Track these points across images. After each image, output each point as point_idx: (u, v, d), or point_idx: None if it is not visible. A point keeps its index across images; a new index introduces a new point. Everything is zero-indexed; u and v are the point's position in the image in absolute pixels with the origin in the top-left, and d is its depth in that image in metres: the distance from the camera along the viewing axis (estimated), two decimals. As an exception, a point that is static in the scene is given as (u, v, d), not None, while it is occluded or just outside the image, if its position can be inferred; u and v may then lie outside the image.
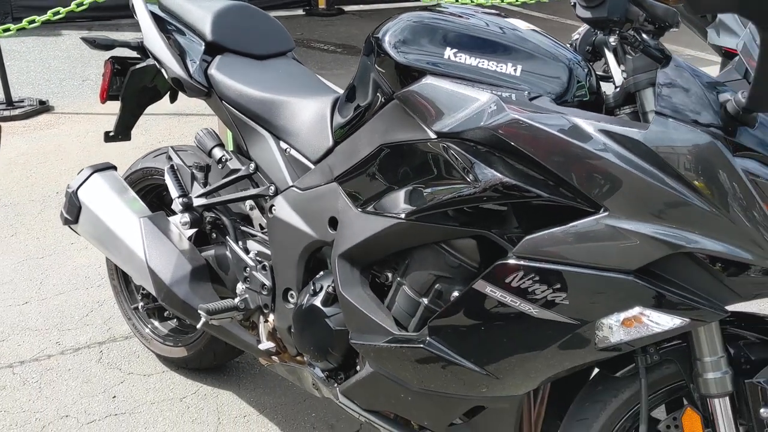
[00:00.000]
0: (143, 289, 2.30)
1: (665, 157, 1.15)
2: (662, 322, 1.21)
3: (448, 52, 1.41)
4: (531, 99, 1.32)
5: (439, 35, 1.43)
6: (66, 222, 2.18)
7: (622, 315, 1.22)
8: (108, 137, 2.38)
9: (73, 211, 2.14)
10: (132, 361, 2.43)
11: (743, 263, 1.17)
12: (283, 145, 1.82)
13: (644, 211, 1.17)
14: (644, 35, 1.23)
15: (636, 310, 1.22)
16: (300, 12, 8.89)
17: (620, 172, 1.18)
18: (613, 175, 1.18)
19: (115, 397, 2.26)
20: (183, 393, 2.28)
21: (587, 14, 1.22)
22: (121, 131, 2.38)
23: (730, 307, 1.34)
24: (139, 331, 2.39)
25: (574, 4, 1.25)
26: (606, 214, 1.20)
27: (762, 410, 1.28)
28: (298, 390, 2.27)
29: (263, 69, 1.97)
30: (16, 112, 4.99)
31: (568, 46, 1.49)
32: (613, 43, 1.27)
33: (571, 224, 1.23)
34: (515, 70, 1.36)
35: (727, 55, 2.64)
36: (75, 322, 2.64)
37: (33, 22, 5.07)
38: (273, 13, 6.75)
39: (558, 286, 1.25)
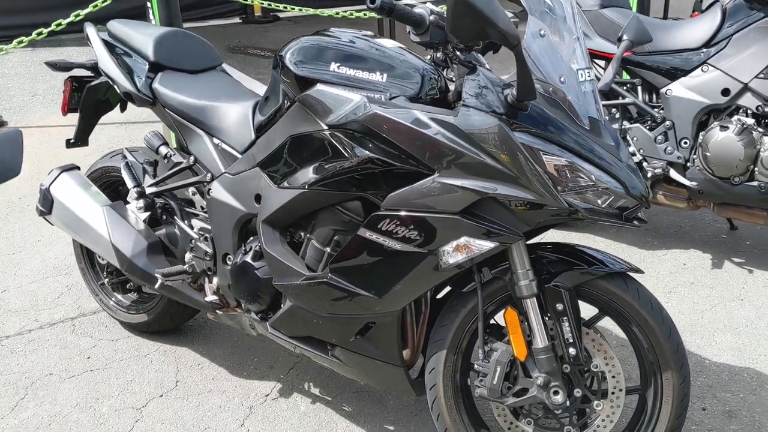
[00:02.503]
0: (108, 266, 2.77)
1: (469, 134, 1.69)
2: (481, 245, 1.75)
3: (333, 66, 1.92)
4: (391, 98, 1.83)
5: (327, 53, 1.94)
6: (41, 213, 2.64)
7: (454, 243, 1.77)
8: (69, 144, 2.84)
9: (46, 204, 2.60)
10: (101, 330, 2.89)
11: (537, 202, 1.72)
12: (216, 141, 2.31)
13: (461, 171, 1.71)
14: (458, 52, 1.77)
15: (463, 239, 1.76)
16: (237, 20, 9.32)
17: (443, 145, 1.71)
18: (439, 148, 1.72)
19: (89, 357, 2.72)
20: (146, 351, 2.76)
21: (417, 39, 1.76)
22: (80, 138, 2.84)
23: (546, 239, 1.90)
24: (105, 304, 2.86)
25: (409, 32, 1.78)
26: (437, 175, 1.74)
27: (558, 305, 1.84)
28: (243, 342, 2.77)
29: (197, 81, 2.45)
30: (-23, 124, 5.34)
31: (428, 58, 2.01)
32: (441, 57, 1.82)
33: (416, 183, 1.76)
34: (382, 77, 1.87)
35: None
36: (49, 303, 3.09)
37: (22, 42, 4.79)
38: (210, 22, 7.13)
39: (411, 226, 1.79)
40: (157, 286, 2.38)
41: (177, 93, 2.38)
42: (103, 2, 4.12)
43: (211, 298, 2.33)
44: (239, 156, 2.24)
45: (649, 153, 3.09)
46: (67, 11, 4.53)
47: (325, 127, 1.90)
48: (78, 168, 2.70)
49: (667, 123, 3.05)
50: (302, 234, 2.09)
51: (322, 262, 2.03)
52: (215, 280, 2.36)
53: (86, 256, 2.90)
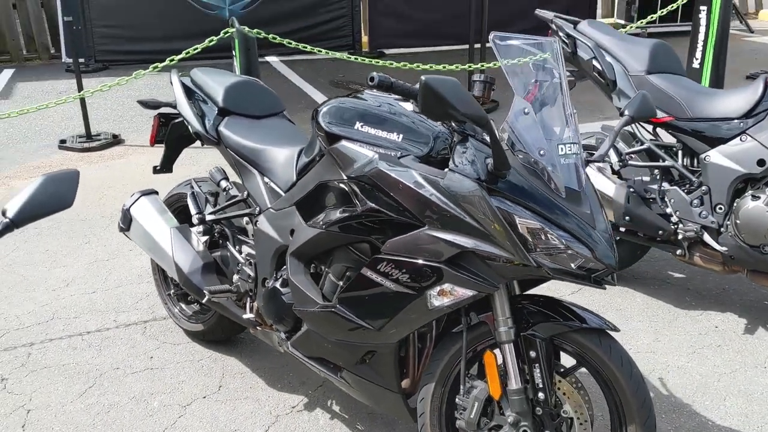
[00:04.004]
0: (174, 279, 3.17)
1: (454, 196, 1.94)
2: (461, 292, 1.99)
3: (357, 125, 2.21)
4: (400, 157, 2.11)
5: (353, 113, 2.23)
6: (121, 230, 3.09)
7: (438, 288, 2.01)
8: (155, 170, 3.28)
9: (126, 222, 3.04)
10: (166, 334, 3.30)
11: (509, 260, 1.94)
12: (266, 180, 2.66)
13: (446, 227, 1.96)
14: (453, 123, 2.02)
15: (446, 285, 2.00)
16: (345, 54, 9.85)
17: (432, 203, 1.97)
18: (429, 205, 1.98)
19: (152, 357, 3.13)
20: (200, 357, 3.13)
21: (418, 110, 2.03)
22: (165, 166, 3.28)
23: (539, 291, 2.11)
24: (171, 312, 3.27)
25: (412, 103, 2.06)
26: (427, 228, 1.99)
27: (531, 352, 2.04)
28: (283, 359, 3.08)
29: (258, 126, 2.82)
30: (94, 144, 6.03)
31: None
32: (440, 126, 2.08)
33: (409, 233, 2.03)
34: (399, 137, 2.15)
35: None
36: (128, 306, 3.54)
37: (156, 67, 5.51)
38: (321, 55, 7.47)
39: (404, 270, 2.05)
40: (204, 300, 2.74)
41: (238, 136, 2.75)
42: (193, 49, 4.68)
43: (248, 315, 2.67)
44: (283, 194, 2.57)
45: (684, 215, 3.19)
46: (193, 41, 5.21)
47: (345, 178, 2.19)
48: (156, 192, 3.13)
49: (704, 188, 3.15)
50: (323, 267, 2.39)
51: (336, 294, 2.31)
52: (256, 300, 2.69)
53: (159, 269, 3.32)
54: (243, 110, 2.87)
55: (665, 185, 3.28)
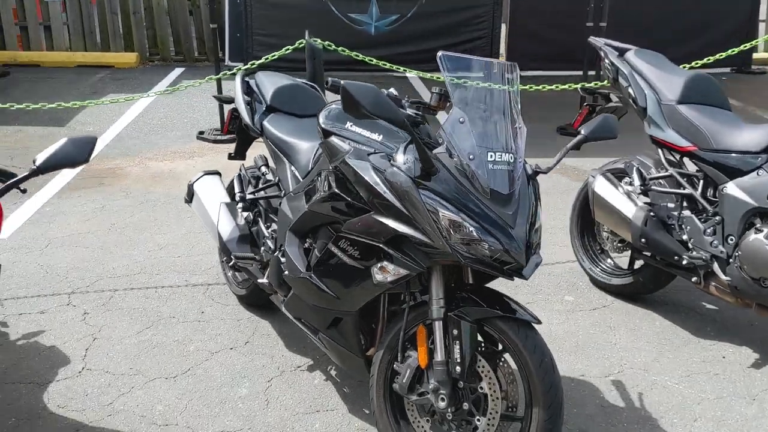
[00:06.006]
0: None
1: (393, 187, 2.28)
2: (396, 271, 2.32)
3: (348, 124, 2.61)
4: (370, 154, 2.47)
5: (344, 115, 2.63)
6: (186, 201, 3.68)
7: (379, 264, 2.36)
8: (230, 156, 3.85)
9: (190, 195, 3.63)
10: (222, 296, 3.85)
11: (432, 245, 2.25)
12: (293, 168, 3.12)
13: (386, 213, 2.31)
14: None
15: (385, 263, 2.34)
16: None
17: (377, 192, 2.32)
18: (375, 193, 2.33)
19: (203, 312, 3.69)
20: (240, 317, 3.65)
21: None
22: (239, 153, 3.84)
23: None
24: (225, 276, 3.82)
25: None
26: (373, 212, 2.35)
27: (455, 331, 2.33)
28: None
29: (296, 123, 3.28)
30: (225, 137, 6.81)
31: None
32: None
33: (360, 216, 2.39)
34: (379, 137, 2.53)
35: (654, 141, 3.52)
36: (201, 271, 4.14)
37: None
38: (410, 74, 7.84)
39: (355, 247, 2.42)
40: (231, 264, 3.25)
41: (276, 130, 3.23)
42: (272, 57, 5.35)
43: (263, 280, 3.14)
44: (301, 180, 3.02)
45: (696, 243, 3.26)
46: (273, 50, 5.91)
47: (332, 167, 2.60)
48: (219, 173, 3.70)
49: (718, 218, 3.20)
50: (312, 242, 2.80)
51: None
52: (275, 269, 3.16)
53: (221, 239, 3.89)
54: (287, 109, 3.35)
55: (684, 212, 3.36)
